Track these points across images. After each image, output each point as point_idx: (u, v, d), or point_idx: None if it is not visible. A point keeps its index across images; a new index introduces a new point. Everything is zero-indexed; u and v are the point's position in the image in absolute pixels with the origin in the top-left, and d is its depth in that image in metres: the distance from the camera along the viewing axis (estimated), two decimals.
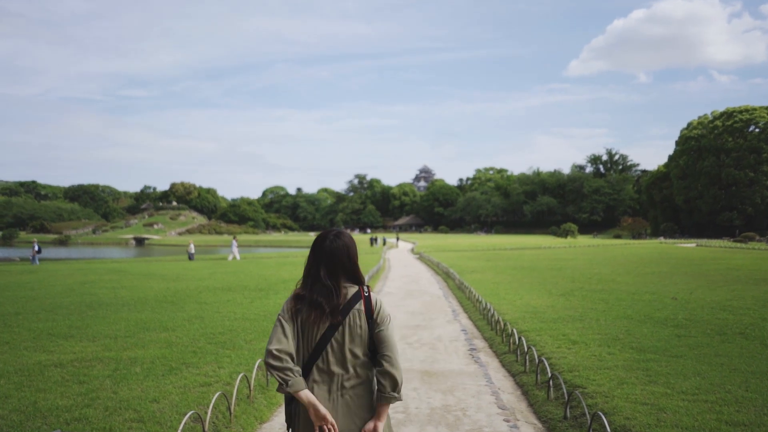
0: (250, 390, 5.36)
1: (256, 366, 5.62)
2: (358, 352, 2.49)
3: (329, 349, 2.46)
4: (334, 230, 2.61)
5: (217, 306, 11.31)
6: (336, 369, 2.47)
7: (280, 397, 5.80)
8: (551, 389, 5.63)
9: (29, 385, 5.41)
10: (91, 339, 7.77)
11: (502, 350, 8.03)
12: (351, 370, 2.48)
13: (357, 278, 2.58)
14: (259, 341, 7.75)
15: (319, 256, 2.53)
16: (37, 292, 14.04)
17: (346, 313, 2.47)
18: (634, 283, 15.83)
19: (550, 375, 5.67)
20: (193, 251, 34.19)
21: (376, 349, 2.51)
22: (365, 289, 2.57)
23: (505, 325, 8.75)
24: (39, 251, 31.20)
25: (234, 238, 36.04)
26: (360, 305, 2.50)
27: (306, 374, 2.46)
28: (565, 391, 5.19)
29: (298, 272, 20.96)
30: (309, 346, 2.46)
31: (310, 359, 2.47)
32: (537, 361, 6.29)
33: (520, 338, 7.46)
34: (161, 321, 9.34)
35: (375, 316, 2.51)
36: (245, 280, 17.55)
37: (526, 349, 6.88)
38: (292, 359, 2.40)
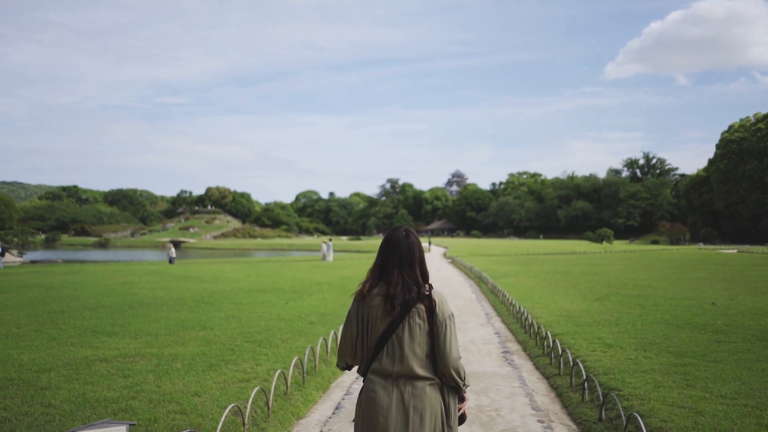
0: (287, 386, 5.48)
1: (292, 364, 5.75)
2: (418, 349, 2.48)
3: (391, 343, 2.48)
4: (403, 228, 2.65)
5: (253, 306, 11.53)
6: (395, 365, 2.47)
7: (317, 395, 5.92)
8: (586, 391, 5.60)
9: (77, 377, 5.65)
10: (133, 336, 8.02)
11: (536, 353, 8.01)
12: (410, 366, 2.47)
13: (424, 275, 2.59)
14: (294, 340, 7.90)
15: (392, 253, 2.57)
16: (80, 292, 14.50)
17: (408, 309, 2.48)
18: (672, 288, 15.52)
19: (585, 377, 5.64)
20: (174, 255, 33.25)
21: (435, 347, 2.50)
22: (427, 287, 2.55)
23: (539, 328, 8.71)
24: (2, 254, 31.19)
25: (329, 239, 37.13)
26: (421, 303, 2.50)
27: (368, 367, 2.54)
28: (600, 392, 5.17)
29: (331, 275, 21.20)
30: (374, 338, 2.52)
31: (374, 351, 2.52)
32: (572, 363, 6.27)
33: (554, 341, 7.43)
34: (199, 320, 9.58)
35: (435, 313, 2.50)
36: (279, 282, 17.81)
37: (560, 352, 6.86)
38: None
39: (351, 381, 6.63)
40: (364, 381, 2.58)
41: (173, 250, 33.91)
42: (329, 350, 7.35)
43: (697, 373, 6.02)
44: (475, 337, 9.53)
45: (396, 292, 2.48)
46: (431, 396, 2.46)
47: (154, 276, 20.62)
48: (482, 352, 8.34)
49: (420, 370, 2.47)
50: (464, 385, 2.55)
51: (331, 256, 34.86)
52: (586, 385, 5.60)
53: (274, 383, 5.11)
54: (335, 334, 7.99)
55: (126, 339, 7.82)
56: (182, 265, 31.68)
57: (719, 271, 22.20)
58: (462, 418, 2.62)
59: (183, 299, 12.85)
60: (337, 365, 2.73)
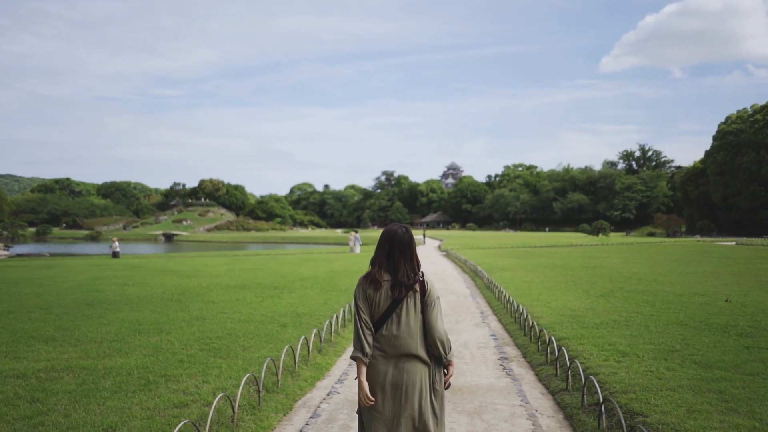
0: (234, 411, 4.42)
1: (243, 382, 4.67)
2: (412, 324, 3.03)
3: (391, 320, 3.03)
4: (402, 225, 3.18)
5: (224, 305, 10.45)
6: (394, 336, 3.02)
7: (275, 419, 4.87)
8: (603, 416, 4.57)
9: None
10: (74, 343, 6.93)
11: (538, 361, 6.98)
12: (406, 338, 3.02)
13: (418, 264, 3.14)
14: (258, 348, 6.81)
15: (397, 246, 3.09)
16: (45, 289, 13.42)
17: (408, 292, 3.04)
18: (679, 283, 14.53)
19: (601, 399, 4.60)
20: (117, 249, 30.90)
21: (424, 322, 3.07)
22: (420, 273, 3.12)
23: (541, 331, 7.68)
24: None
25: (356, 231, 37.09)
26: (416, 287, 3.07)
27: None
28: (623, 421, 4.12)
29: (319, 269, 20.11)
30: (376, 315, 3.07)
31: (376, 326, 3.07)
32: (583, 378, 5.23)
33: (560, 348, 6.40)
34: (158, 322, 8.49)
35: (426, 296, 3.07)
36: (262, 277, 16.73)
37: (568, 363, 5.82)
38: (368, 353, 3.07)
39: (320, 398, 5.58)
40: None
41: (117, 244, 31.92)
42: (297, 359, 6.27)
43: (735, 391, 4.99)
44: (469, 339, 8.50)
45: (402, 278, 3.03)
46: (421, 365, 3.03)
47: (132, 270, 19.52)
48: (476, 358, 7.31)
49: (414, 341, 3.02)
50: (446, 356, 3.11)
51: (358, 248, 34.70)
52: (602, 408, 4.56)
53: (213, 408, 4.05)
54: (306, 339, 6.93)
55: (63, 347, 6.73)
56: (168, 258, 30.54)
57: (723, 265, 21.25)
58: (446, 387, 3.19)
59: (151, 297, 11.77)
60: (358, 352, 3.07)
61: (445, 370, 3.16)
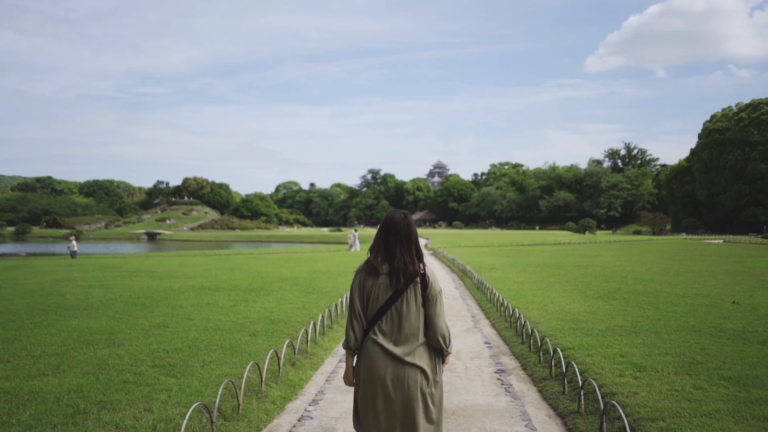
0: None
1: (190, 411, 3.77)
2: (413, 318, 2.96)
3: (390, 313, 2.96)
4: (401, 211, 3.07)
5: (192, 310, 9.50)
6: (394, 330, 2.95)
7: None
8: None
9: None
10: (6, 359, 5.97)
11: (541, 374, 6.16)
12: (406, 332, 2.95)
13: (419, 254, 3.04)
14: (220, 363, 5.89)
15: (394, 233, 2.99)
16: (1, 292, 12.38)
17: (408, 284, 2.95)
18: (677, 283, 13.82)
19: (628, 430, 3.77)
20: (75, 249, 29.53)
21: (426, 317, 3.00)
22: (421, 266, 3.02)
23: (542, 340, 6.86)
24: None
25: (355, 230, 37.38)
26: (417, 279, 2.97)
27: (367, 331, 3.01)
28: None
29: (301, 269, 19.18)
30: (374, 308, 2.98)
31: (373, 319, 2.99)
32: (602, 404, 4.40)
33: (568, 364, 5.57)
34: (113, 331, 7.53)
35: (428, 290, 3.00)
36: (239, 278, 15.78)
37: (580, 382, 4.98)
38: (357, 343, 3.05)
39: (290, 425, 4.70)
40: (362, 342, 3.03)
41: (74, 243, 30.44)
42: (264, 377, 5.38)
43: None
44: (461, 348, 7.66)
45: (400, 267, 2.94)
46: (422, 355, 2.97)
47: (102, 271, 18.46)
48: (470, 371, 6.47)
49: (414, 335, 2.96)
50: (446, 349, 3.08)
51: (358, 246, 34.55)
52: None
53: None
54: (276, 352, 6.03)
55: None
56: (145, 257, 29.39)
57: (717, 263, 20.63)
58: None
59: (114, 301, 10.80)
60: (345, 344, 3.08)
61: (442, 361, 3.14)
